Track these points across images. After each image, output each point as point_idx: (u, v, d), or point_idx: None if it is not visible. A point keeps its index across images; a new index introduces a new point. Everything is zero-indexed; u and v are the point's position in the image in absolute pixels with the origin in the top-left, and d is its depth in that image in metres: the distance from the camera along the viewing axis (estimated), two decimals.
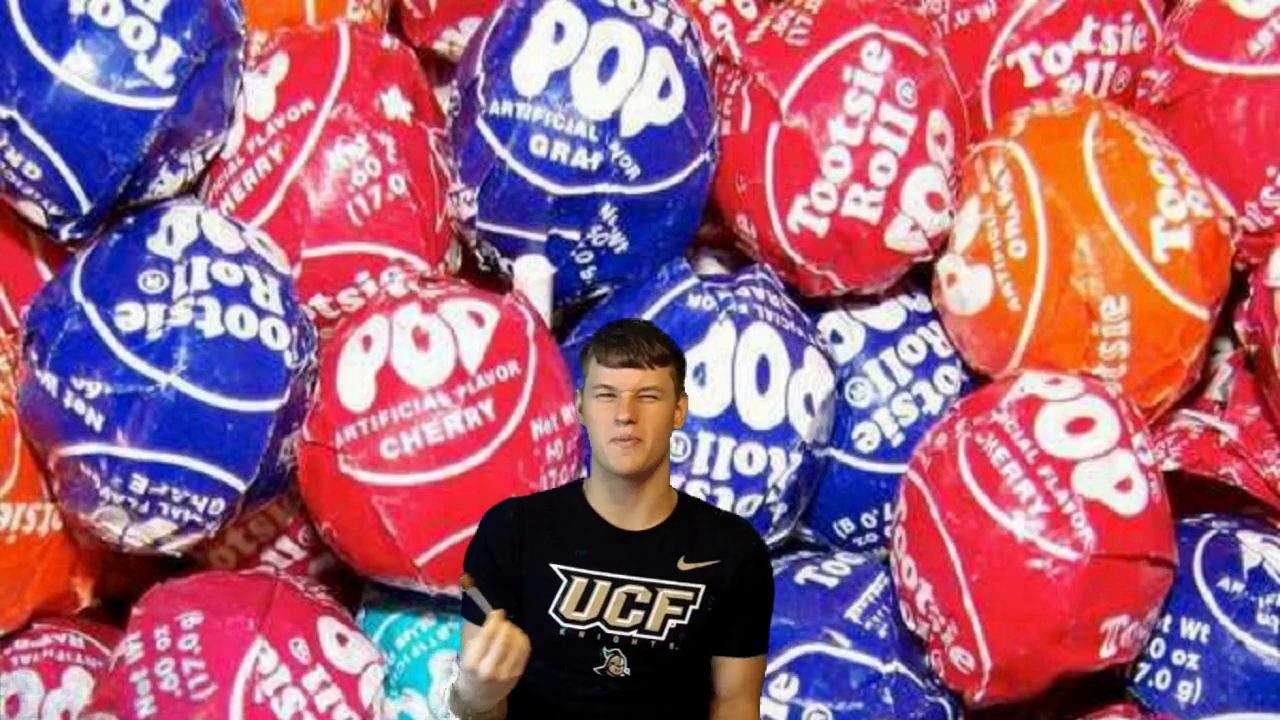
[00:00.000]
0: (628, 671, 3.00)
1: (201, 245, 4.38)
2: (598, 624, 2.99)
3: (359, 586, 4.74)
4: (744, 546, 3.06)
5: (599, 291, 4.71)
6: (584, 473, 4.47)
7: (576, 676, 3.01)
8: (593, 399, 2.97)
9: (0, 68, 4.26)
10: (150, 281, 4.31)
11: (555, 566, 2.99)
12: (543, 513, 3.05)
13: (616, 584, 3.00)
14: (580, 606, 3.00)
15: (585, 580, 2.99)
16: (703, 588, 3.01)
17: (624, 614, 3.00)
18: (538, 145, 4.47)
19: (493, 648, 2.79)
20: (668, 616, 3.00)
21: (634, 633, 3.01)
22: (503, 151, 4.49)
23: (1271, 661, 4.45)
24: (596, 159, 4.47)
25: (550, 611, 3.00)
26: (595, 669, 3.00)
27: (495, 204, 4.54)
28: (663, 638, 3.01)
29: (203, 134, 4.46)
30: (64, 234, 4.40)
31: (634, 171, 4.50)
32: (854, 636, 4.50)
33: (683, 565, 3.01)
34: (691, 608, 3.01)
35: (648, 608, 3.00)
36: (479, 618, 2.90)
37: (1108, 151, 4.62)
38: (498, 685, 2.82)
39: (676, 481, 4.43)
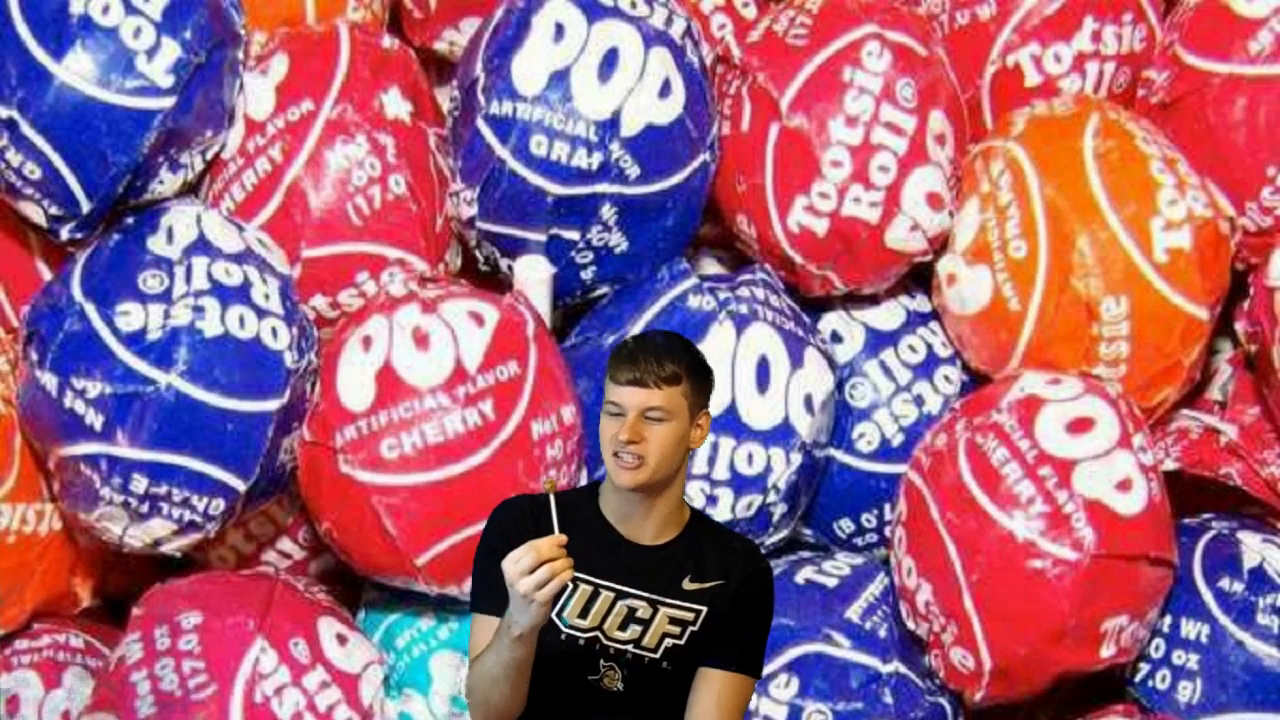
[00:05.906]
0: (621, 687, 2.96)
1: (201, 245, 4.38)
2: (597, 633, 2.97)
3: (359, 586, 4.73)
4: (746, 568, 3.01)
5: (599, 291, 4.71)
6: (583, 474, 4.47)
7: (572, 685, 2.97)
8: (604, 413, 2.96)
9: (0, 68, 4.26)
10: (150, 281, 4.31)
11: None
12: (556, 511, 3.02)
13: (620, 595, 2.96)
14: (583, 614, 2.97)
15: (590, 587, 2.96)
16: (704, 610, 2.97)
17: (623, 627, 2.96)
18: (538, 145, 4.47)
19: (527, 559, 2.75)
20: (665, 635, 2.95)
21: (630, 647, 2.97)
22: (503, 151, 4.49)
23: (1271, 661, 4.46)
24: (596, 159, 4.47)
25: (553, 615, 2.97)
26: (590, 678, 2.98)
27: (495, 204, 4.54)
28: (656, 655, 2.96)
29: (203, 134, 4.45)
30: (64, 234, 4.40)
31: (634, 171, 4.50)
32: (854, 636, 4.49)
33: (688, 585, 2.97)
34: (690, 629, 2.96)
35: (646, 624, 2.96)
36: (488, 607, 2.90)
37: (1108, 151, 4.62)
38: (532, 608, 2.79)
39: None
